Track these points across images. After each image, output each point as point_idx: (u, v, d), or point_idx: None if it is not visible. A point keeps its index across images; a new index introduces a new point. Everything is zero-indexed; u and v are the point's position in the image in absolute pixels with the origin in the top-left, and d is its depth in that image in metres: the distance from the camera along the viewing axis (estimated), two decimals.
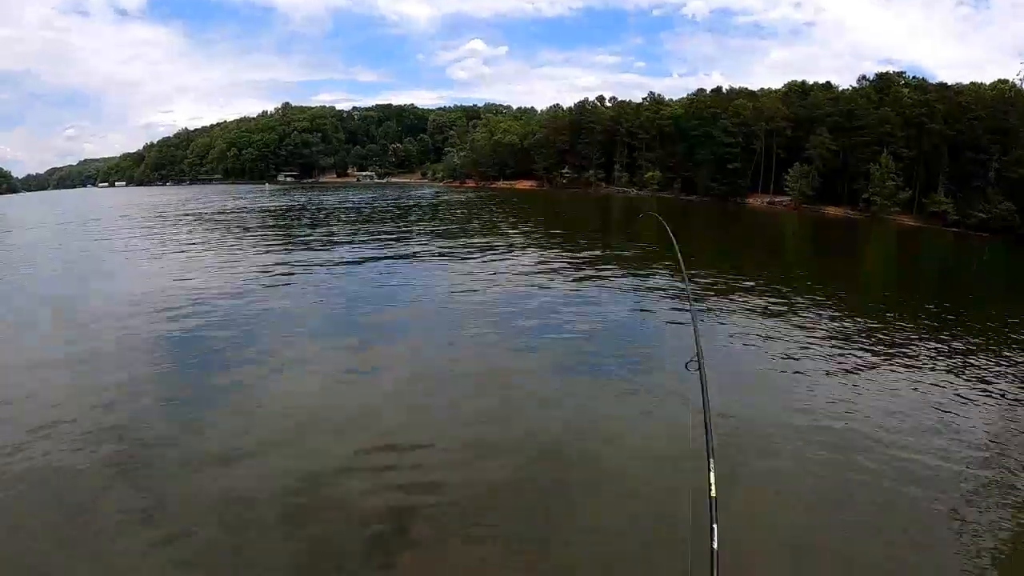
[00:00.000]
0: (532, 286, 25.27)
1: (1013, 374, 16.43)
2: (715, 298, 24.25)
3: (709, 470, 4.28)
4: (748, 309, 22.43)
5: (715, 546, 3.69)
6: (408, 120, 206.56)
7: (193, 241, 41.01)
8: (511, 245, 37.63)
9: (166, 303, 21.56)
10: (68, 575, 8.04)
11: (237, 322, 19.23)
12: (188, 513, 9.24)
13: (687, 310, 20.13)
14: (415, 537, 8.80)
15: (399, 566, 8.24)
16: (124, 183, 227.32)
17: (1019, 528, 9.15)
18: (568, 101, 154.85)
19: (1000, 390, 15.14)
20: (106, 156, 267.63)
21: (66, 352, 16.71)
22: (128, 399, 13.31)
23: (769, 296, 24.74)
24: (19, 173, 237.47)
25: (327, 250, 35.25)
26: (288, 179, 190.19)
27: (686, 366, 6.04)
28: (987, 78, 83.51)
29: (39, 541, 8.63)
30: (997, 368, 16.90)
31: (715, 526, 3.81)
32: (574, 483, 10.32)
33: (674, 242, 11.03)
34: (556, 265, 30.69)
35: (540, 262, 31.45)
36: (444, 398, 13.77)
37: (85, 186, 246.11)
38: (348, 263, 30.50)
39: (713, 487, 4.14)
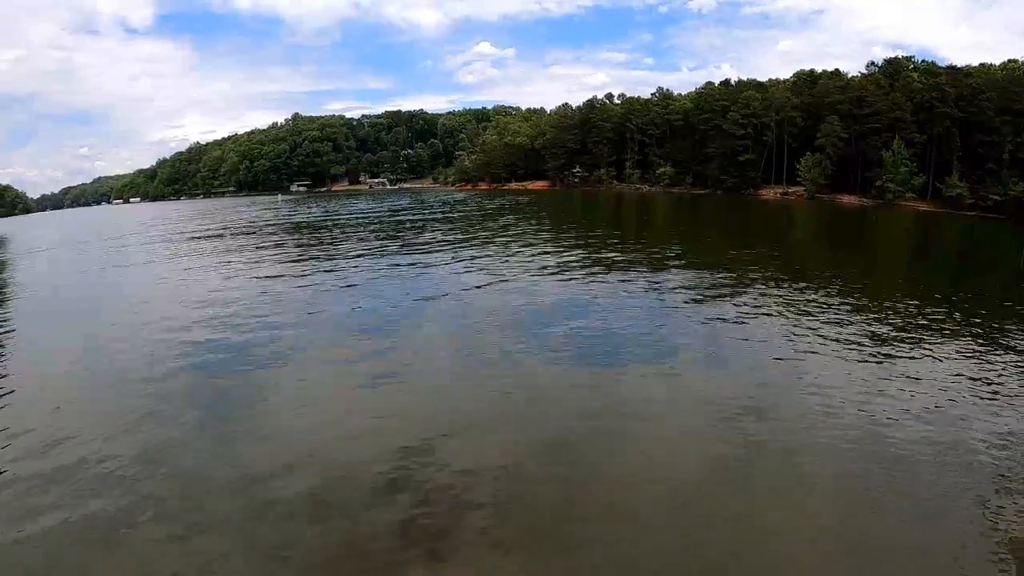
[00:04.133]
0: (549, 283, 26.07)
1: None
2: (734, 289, 24.79)
3: None
4: (773, 301, 22.80)
5: None
6: (418, 125, 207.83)
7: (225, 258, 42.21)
8: (527, 243, 38.42)
9: (193, 316, 22.49)
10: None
11: (264, 343, 19.41)
12: (208, 512, 9.84)
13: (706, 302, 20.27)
14: (450, 539, 9.11)
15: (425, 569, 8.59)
16: (139, 199, 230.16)
17: None
18: (577, 100, 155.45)
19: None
20: (119, 173, 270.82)
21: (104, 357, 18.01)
22: (156, 409, 13.97)
23: (790, 288, 25.05)
24: (33, 193, 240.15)
25: (362, 257, 35.96)
26: (301, 189, 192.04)
27: None
28: (997, 59, 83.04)
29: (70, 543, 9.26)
30: None
31: None
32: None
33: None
34: (570, 261, 31.46)
35: (556, 259, 32.21)
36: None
37: (100, 204, 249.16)
38: (379, 267, 31.54)
39: None
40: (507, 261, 31.89)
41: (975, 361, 16.64)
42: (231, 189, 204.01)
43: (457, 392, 14.82)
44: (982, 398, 13.99)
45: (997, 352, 17.29)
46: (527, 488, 10.48)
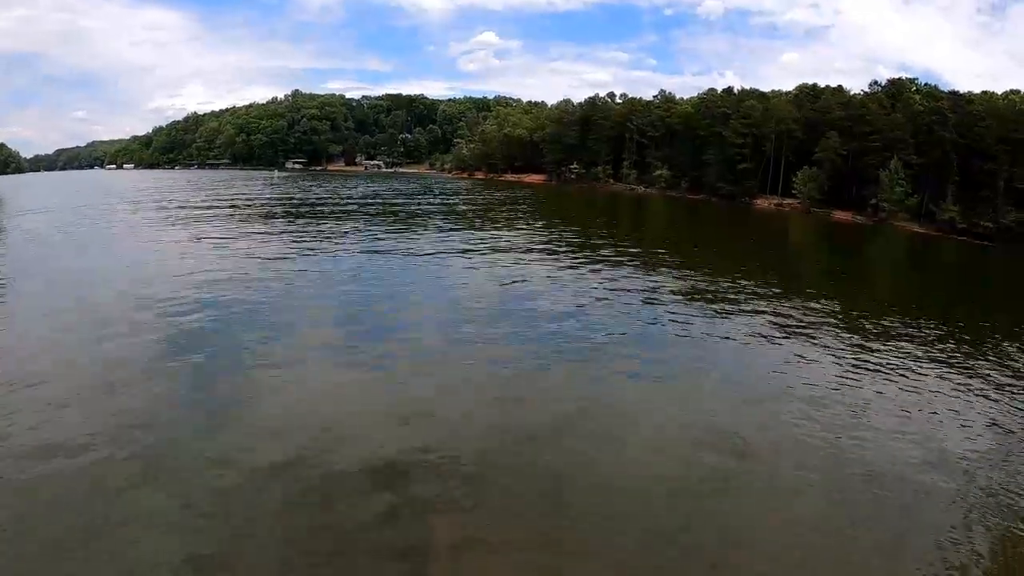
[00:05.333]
0: (534, 276, 26.14)
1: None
2: (723, 296, 24.86)
3: None
4: (760, 310, 22.93)
5: None
6: (418, 110, 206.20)
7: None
8: (521, 236, 37.92)
9: (179, 295, 21.82)
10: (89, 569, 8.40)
11: (259, 319, 19.43)
12: (203, 507, 9.55)
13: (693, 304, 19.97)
14: (436, 538, 8.95)
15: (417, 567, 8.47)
16: (132, 165, 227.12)
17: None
18: (579, 96, 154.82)
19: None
20: (115, 139, 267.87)
21: (88, 342, 17.11)
22: (143, 399, 13.56)
23: (781, 299, 25.29)
24: (27, 153, 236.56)
25: (352, 240, 35.26)
26: (296, 166, 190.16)
27: None
28: (1000, 88, 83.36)
29: (59, 533, 8.97)
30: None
31: None
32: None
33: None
34: (562, 256, 31.41)
35: (546, 253, 32.02)
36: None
37: (92, 168, 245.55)
38: (365, 253, 30.80)
39: None
40: (503, 259, 31.32)
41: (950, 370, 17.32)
42: (226, 161, 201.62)
43: (443, 377, 14.77)
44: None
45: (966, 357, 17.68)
46: (514, 480, 10.37)
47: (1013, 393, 16.18)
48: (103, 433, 11.65)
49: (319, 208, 53.12)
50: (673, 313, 22.01)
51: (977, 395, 15.90)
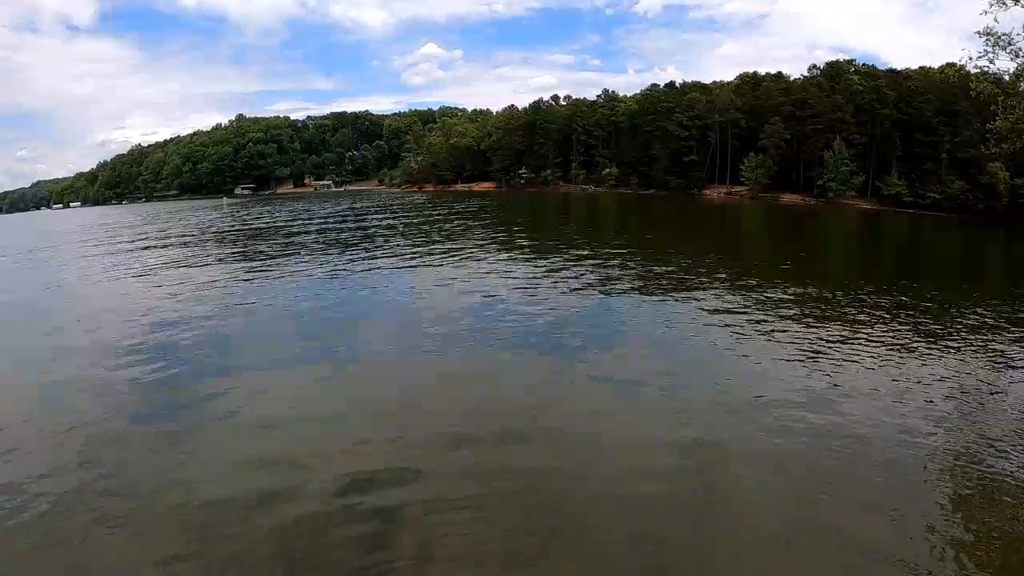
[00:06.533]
0: (495, 284, 24.01)
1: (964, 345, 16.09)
2: (678, 285, 23.48)
3: None
4: (714, 295, 21.61)
5: None
6: (364, 127, 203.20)
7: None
8: (475, 246, 35.66)
9: (137, 328, 19.20)
10: None
11: (213, 345, 17.32)
12: (168, 533, 8.49)
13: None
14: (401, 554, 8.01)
15: None
16: (79, 204, 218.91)
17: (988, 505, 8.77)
18: (524, 101, 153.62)
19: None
20: (59, 176, 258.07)
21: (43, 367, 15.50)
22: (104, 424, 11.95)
23: (732, 283, 23.92)
24: None
25: (307, 262, 32.69)
26: (245, 192, 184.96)
27: None
28: (937, 63, 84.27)
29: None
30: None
31: None
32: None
33: None
34: (517, 261, 29.62)
35: (504, 260, 30.08)
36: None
37: (39, 208, 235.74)
38: (323, 275, 28.13)
39: None
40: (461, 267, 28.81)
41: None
42: (174, 192, 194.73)
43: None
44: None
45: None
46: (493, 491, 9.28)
47: (974, 355, 15.28)
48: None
49: (269, 234, 49.27)
50: (630, 306, 20.72)
51: (936, 360, 14.83)
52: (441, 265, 29.07)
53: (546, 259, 29.95)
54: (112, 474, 10.03)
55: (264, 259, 34.59)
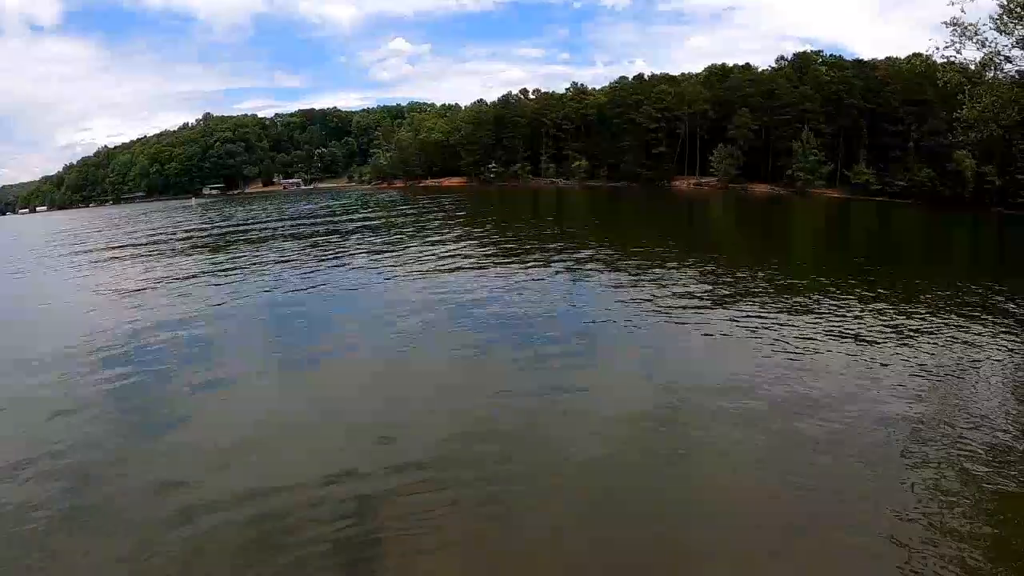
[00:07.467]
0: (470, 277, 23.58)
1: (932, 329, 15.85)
2: (646, 273, 23.01)
3: None
4: (682, 283, 21.32)
5: None
6: (332, 124, 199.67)
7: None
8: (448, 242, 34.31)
9: (106, 336, 17.85)
10: None
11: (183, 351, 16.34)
12: (146, 541, 8.03)
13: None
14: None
15: None
16: (45, 208, 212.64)
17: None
18: (493, 96, 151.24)
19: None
20: (25, 181, 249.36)
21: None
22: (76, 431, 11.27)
23: (699, 270, 23.74)
24: None
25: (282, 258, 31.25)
26: (214, 192, 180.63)
27: None
28: (904, 53, 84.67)
29: None
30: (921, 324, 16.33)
31: None
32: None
33: None
34: (489, 256, 28.72)
35: (474, 255, 29.09)
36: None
37: (4, 214, 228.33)
38: (293, 276, 26.53)
39: None
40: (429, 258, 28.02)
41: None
42: (141, 194, 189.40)
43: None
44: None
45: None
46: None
47: (943, 336, 15.15)
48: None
49: (240, 235, 46.82)
50: (599, 294, 20.63)
51: (906, 343, 14.69)
52: (411, 263, 27.94)
53: (517, 253, 29.19)
54: (78, 476, 9.63)
55: (233, 261, 32.87)
